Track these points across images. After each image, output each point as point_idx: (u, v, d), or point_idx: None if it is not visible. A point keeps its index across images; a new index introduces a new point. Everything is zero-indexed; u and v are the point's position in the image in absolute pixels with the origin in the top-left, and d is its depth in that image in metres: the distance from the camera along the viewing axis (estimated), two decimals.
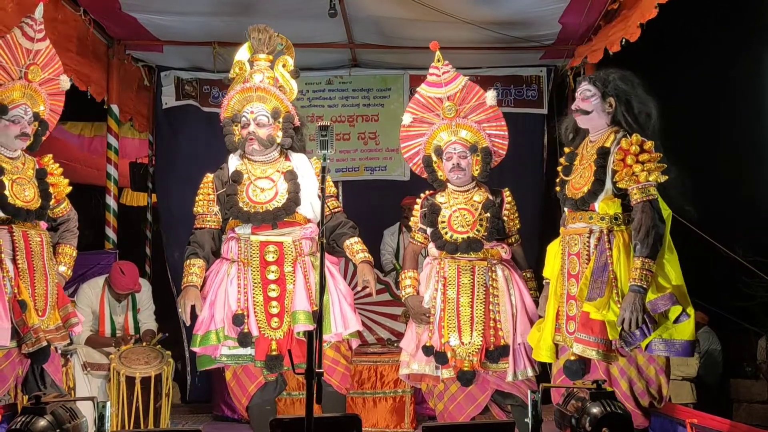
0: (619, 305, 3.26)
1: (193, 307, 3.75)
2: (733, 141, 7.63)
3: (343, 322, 3.77)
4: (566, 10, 5.57)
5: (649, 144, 3.33)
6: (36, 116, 3.80)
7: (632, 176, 3.31)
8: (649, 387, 3.34)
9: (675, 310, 3.28)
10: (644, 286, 3.23)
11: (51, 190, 3.87)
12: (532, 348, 3.65)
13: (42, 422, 2.65)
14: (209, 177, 3.97)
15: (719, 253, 4.88)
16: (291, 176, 3.85)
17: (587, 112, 3.50)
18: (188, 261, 3.87)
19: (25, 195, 3.72)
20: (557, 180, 3.70)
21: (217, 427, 5.42)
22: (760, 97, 7.12)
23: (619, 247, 3.34)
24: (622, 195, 3.39)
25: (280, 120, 3.88)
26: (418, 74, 6.81)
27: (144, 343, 5.04)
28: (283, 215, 3.78)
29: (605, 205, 3.38)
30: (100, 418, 2.79)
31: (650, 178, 3.30)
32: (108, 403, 2.82)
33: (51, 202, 3.88)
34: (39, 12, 3.79)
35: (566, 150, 3.71)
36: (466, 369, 3.79)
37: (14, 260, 3.63)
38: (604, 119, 3.52)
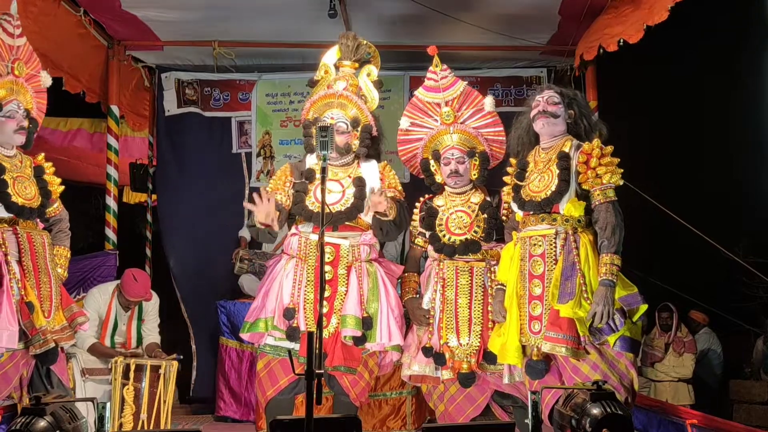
0: (589, 302, 3.34)
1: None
2: (733, 142, 7.64)
3: (388, 333, 3.80)
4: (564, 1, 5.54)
5: (608, 149, 3.48)
6: (27, 113, 3.74)
7: (596, 177, 3.44)
8: (623, 381, 3.36)
9: (641, 310, 3.41)
10: (614, 280, 3.34)
11: (49, 188, 3.83)
12: (496, 355, 3.65)
13: (42, 423, 2.65)
14: (288, 165, 4.04)
15: (719, 254, 4.88)
16: (359, 183, 3.89)
17: (556, 116, 3.60)
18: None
19: (27, 193, 3.68)
20: (504, 189, 3.80)
21: (217, 428, 5.42)
22: (761, 98, 7.13)
23: (586, 246, 3.43)
24: (585, 197, 3.49)
25: (359, 129, 3.94)
26: (418, 75, 6.81)
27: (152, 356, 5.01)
28: (344, 219, 3.83)
29: (571, 207, 3.47)
30: (100, 419, 2.79)
31: (611, 180, 3.44)
32: (108, 404, 2.82)
33: (49, 201, 3.83)
34: (14, 8, 3.73)
35: (512, 160, 3.79)
36: (464, 370, 3.79)
37: (20, 262, 3.60)
38: (563, 126, 3.64)
